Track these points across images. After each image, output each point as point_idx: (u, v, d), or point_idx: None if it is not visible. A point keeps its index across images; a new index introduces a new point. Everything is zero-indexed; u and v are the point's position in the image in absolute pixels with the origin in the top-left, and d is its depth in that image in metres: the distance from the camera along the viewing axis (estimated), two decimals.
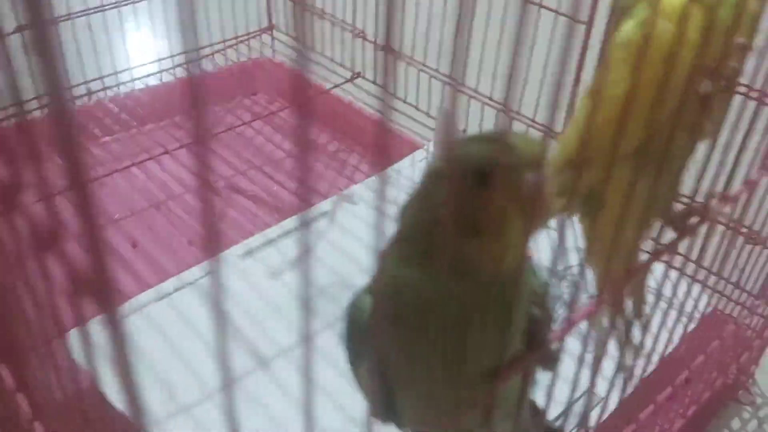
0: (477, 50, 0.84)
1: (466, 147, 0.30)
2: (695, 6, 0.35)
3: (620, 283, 0.35)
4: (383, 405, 0.36)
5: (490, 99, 0.93)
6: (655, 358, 0.56)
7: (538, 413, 0.42)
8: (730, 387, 0.79)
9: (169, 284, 0.77)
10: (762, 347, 0.77)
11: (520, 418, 0.35)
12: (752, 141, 0.44)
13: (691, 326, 0.62)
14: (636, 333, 0.48)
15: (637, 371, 0.53)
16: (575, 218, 0.44)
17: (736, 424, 0.76)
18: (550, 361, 0.33)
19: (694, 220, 0.39)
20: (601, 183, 0.34)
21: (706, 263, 0.63)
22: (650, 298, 0.54)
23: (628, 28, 0.38)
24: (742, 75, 0.33)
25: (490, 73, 0.86)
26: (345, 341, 0.37)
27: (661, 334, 0.53)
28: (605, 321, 0.44)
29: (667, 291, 0.51)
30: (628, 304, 0.46)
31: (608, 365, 0.49)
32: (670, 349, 0.58)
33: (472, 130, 0.95)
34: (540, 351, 0.32)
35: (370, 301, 0.35)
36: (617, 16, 0.40)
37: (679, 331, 0.58)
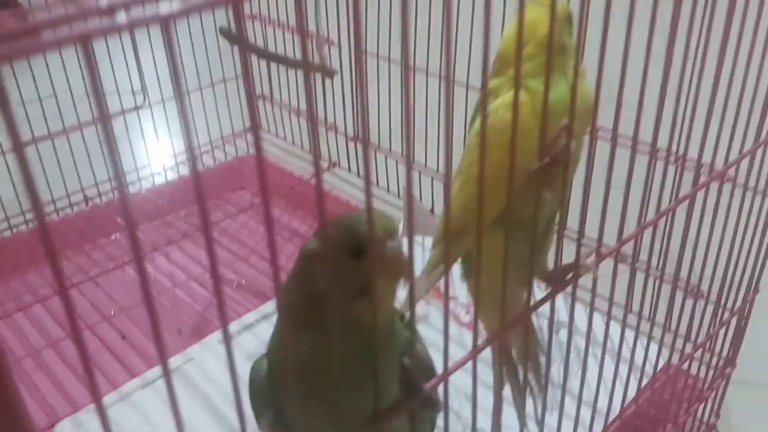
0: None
1: (338, 227, 0.36)
2: (529, 97, 0.42)
3: (500, 333, 0.40)
4: None
5: None
6: (612, 413, 0.60)
7: None
8: None
9: (153, 372, 0.82)
10: (717, 398, 0.80)
11: None
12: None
13: (645, 381, 0.66)
14: (532, 381, 0.52)
15: (593, 423, 0.57)
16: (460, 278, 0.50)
17: None
18: (430, 406, 0.38)
19: (568, 276, 0.44)
20: (473, 248, 0.40)
21: (655, 318, 0.67)
22: (596, 351, 0.58)
23: (479, 122, 0.44)
24: (570, 152, 0.39)
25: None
26: (250, 399, 0.42)
27: (616, 389, 0.57)
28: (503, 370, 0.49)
29: (624, 349, 0.56)
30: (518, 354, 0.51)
31: (567, 424, 0.54)
32: (624, 403, 0.62)
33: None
34: (417, 396, 0.37)
35: (266, 364, 0.41)
36: (477, 112, 0.47)
37: (631, 384, 0.62)
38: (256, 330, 0.88)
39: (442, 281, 0.92)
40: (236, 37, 0.93)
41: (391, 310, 0.38)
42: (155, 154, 1.21)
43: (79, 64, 0.22)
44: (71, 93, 0.97)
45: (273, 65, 1.12)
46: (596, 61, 0.38)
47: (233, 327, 0.89)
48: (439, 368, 0.39)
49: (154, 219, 1.15)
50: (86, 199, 1.14)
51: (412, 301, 0.33)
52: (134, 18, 0.21)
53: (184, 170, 1.20)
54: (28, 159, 0.21)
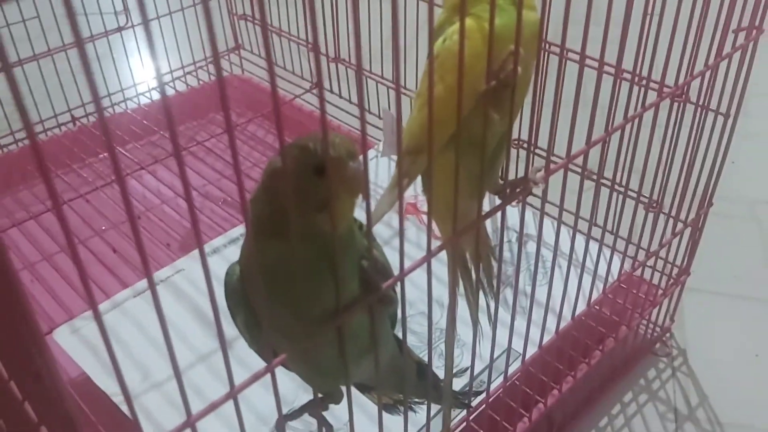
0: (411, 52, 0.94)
1: (302, 148, 0.40)
2: (479, 24, 0.45)
3: (453, 239, 0.45)
4: (260, 348, 0.47)
5: None
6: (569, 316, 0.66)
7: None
8: (648, 342, 0.88)
9: (143, 283, 0.87)
10: (672, 304, 0.86)
11: (379, 352, 0.44)
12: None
13: (603, 287, 0.71)
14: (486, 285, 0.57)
15: (552, 325, 0.62)
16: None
17: (652, 373, 0.86)
18: (387, 302, 0.43)
19: (516, 189, 0.48)
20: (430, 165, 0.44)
21: (616, 231, 0.72)
22: (559, 260, 0.63)
23: (438, 44, 0.48)
24: (517, 74, 0.43)
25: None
26: (225, 301, 0.47)
27: (571, 293, 0.62)
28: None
29: (587, 258, 0.61)
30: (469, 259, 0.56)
31: (520, 323, 0.59)
32: (583, 306, 0.67)
33: None
34: (375, 294, 0.42)
35: (239, 269, 0.46)
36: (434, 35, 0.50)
37: (593, 290, 0.67)
38: (241, 243, 0.93)
39: (419, 196, 0.96)
40: None
41: (350, 221, 0.42)
42: (140, 75, 1.23)
43: None
44: (54, 13, 0.98)
45: None
46: None
47: (220, 241, 0.93)
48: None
49: (141, 139, 1.18)
50: (73, 119, 1.16)
51: (368, 213, 0.37)
52: None
53: (170, 91, 1.23)
54: (16, 79, 0.24)
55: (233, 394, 0.37)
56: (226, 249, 0.92)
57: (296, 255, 0.39)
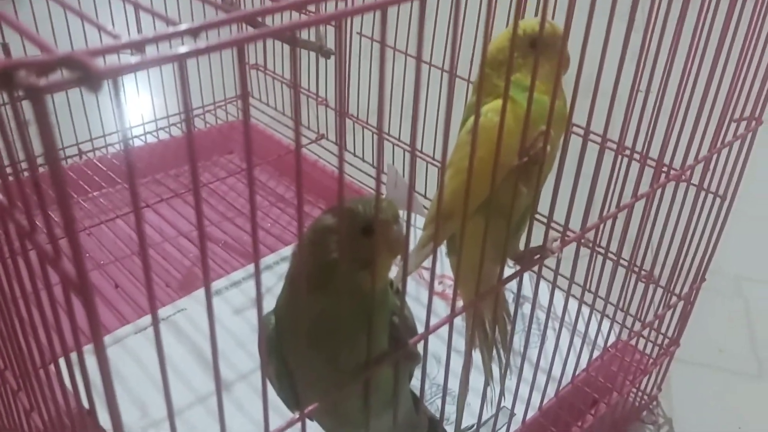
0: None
1: (352, 210, 0.43)
2: (512, 105, 0.48)
3: (475, 302, 0.47)
4: (289, 396, 0.49)
5: (433, 158, 1.06)
6: (565, 379, 0.68)
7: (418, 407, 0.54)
8: (636, 409, 0.90)
9: (145, 320, 0.88)
10: (660, 374, 0.88)
11: (398, 406, 0.46)
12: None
13: (597, 353, 0.74)
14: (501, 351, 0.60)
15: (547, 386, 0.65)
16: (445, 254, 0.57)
17: None
18: (412, 358, 0.45)
19: (536, 257, 0.51)
20: (459, 230, 0.47)
21: (610, 298, 0.74)
22: (555, 324, 0.65)
23: (471, 119, 0.51)
24: (546, 153, 0.46)
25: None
26: (258, 349, 0.49)
27: (570, 358, 0.65)
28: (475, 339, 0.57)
29: (580, 324, 0.63)
30: (491, 325, 0.58)
31: (523, 386, 0.61)
32: (577, 371, 0.70)
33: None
34: (402, 350, 0.44)
35: (274, 319, 0.48)
36: (468, 111, 0.54)
37: (584, 355, 0.69)
38: (243, 287, 0.94)
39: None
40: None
41: (386, 279, 0.45)
42: (148, 114, 1.25)
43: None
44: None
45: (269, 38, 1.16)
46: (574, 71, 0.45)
47: (221, 283, 0.95)
48: (420, 329, 0.46)
49: (145, 176, 1.20)
50: (80, 152, 1.18)
51: (405, 273, 0.40)
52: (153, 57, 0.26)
53: (176, 131, 1.25)
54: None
55: None
56: (228, 291, 0.94)
57: (338, 309, 0.42)
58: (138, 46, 0.26)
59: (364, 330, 0.42)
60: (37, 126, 0.25)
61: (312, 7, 0.35)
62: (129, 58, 0.26)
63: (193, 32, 0.27)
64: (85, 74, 0.24)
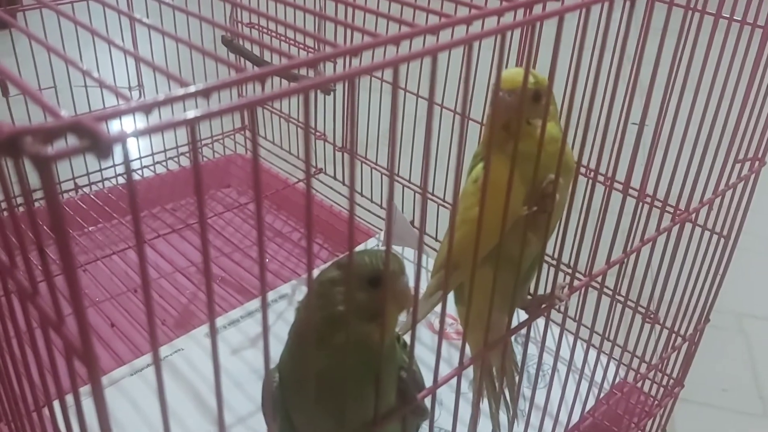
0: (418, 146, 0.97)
1: (359, 261, 0.42)
2: (521, 155, 0.48)
3: (484, 352, 0.46)
4: None
5: (443, 199, 1.05)
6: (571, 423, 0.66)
7: None
8: None
9: (141, 361, 0.87)
10: (664, 416, 0.87)
11: None
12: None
13: (601, 394, 0.73)
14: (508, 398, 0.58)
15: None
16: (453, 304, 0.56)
17: None
18: (420, 414, 0.44)
19: (543, 305, 0.50)
20: (467, 279, 0.46)
21: (612, 338, 0.73)
22: (561, 368, 0.64)
23: (478, 168, 0.50)
24: (555, 201, 0.45)
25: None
26: (262, 406, 0.48)
27: (576, 402, 0.63)
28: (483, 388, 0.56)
29: (585, 366, 0.62)
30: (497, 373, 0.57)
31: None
32: (582, 415, 0.69)
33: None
34: (410, 405, 0.43)
35: (278, 375, 0.47)
36: (474, 161, 0.53)
37: (590, 398, 0.68)
38: (241, 326, 0.93)
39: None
40: (238, 48, 0.97)
41: (393, 332, 0.44)
42: (145, 147, 1.24)
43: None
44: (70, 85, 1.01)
45: None
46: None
47: (219, 322, 0.93)
48: (428, 382, 0.44)
49: (141, 211, 1.19)
50: (76, 187, 1.17)
51: (413, 325, 0.39)
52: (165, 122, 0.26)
53: (173, 165, 1.24)
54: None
55: None
56: (226, 330, 0.92)
57: (344, 363, 0.41)
58: (148, 109, 0.26)
59: (371, 385, 0.41)
60: (44, 194, 0.24)
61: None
62: (138, 121, 0.25)
63: (205, 93, 0.27)
64: (94, 142, 0.23)
